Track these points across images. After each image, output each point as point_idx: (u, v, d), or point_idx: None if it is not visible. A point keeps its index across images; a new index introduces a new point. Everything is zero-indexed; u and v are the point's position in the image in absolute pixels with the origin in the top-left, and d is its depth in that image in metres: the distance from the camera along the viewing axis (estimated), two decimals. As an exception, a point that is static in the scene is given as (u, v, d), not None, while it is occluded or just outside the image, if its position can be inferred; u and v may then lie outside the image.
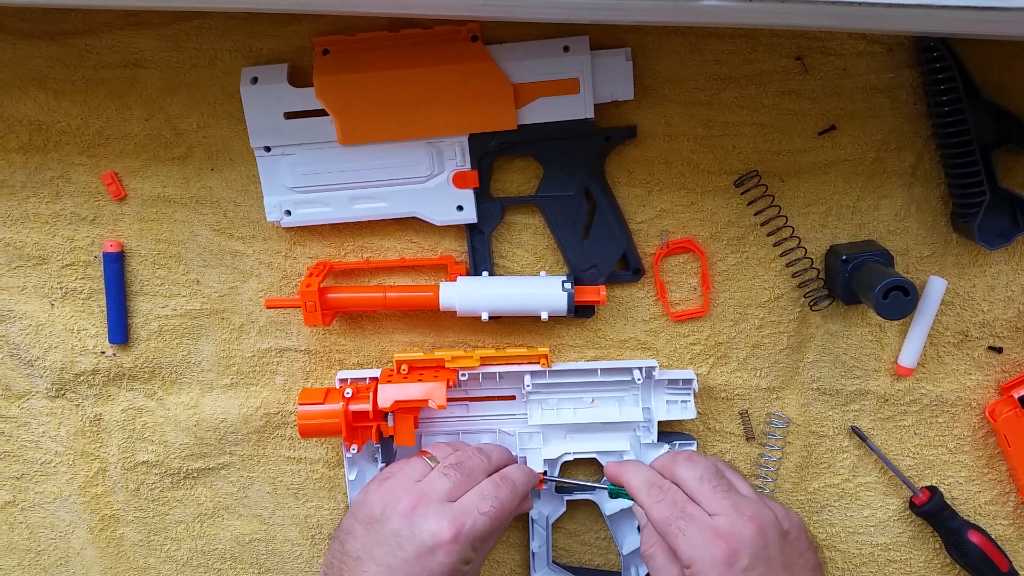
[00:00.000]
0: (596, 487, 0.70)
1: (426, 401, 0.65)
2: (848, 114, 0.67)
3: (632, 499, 0.64)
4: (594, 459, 0.72)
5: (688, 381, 0.69)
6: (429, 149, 0.66)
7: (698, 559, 0.57)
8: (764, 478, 0.73)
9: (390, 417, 0.67)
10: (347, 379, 0.70)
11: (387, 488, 0.62)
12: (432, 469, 0.63)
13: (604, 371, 0.70)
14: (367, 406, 0.66)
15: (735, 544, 0.57)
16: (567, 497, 0.72)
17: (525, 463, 0.71)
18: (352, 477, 0.72)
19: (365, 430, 0.68)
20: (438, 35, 0.64)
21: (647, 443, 0.71)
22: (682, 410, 0.70)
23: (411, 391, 0.66)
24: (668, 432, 0.72)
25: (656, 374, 0.69)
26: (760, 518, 0.58)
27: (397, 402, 0.66)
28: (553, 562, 0.73)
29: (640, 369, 0.69)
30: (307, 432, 0.67)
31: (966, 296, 0.69)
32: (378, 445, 0.69)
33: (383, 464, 0.70)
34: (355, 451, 0.68)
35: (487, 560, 0.75)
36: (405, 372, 0.69)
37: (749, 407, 0.72)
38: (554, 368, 0.70)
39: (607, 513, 0.72)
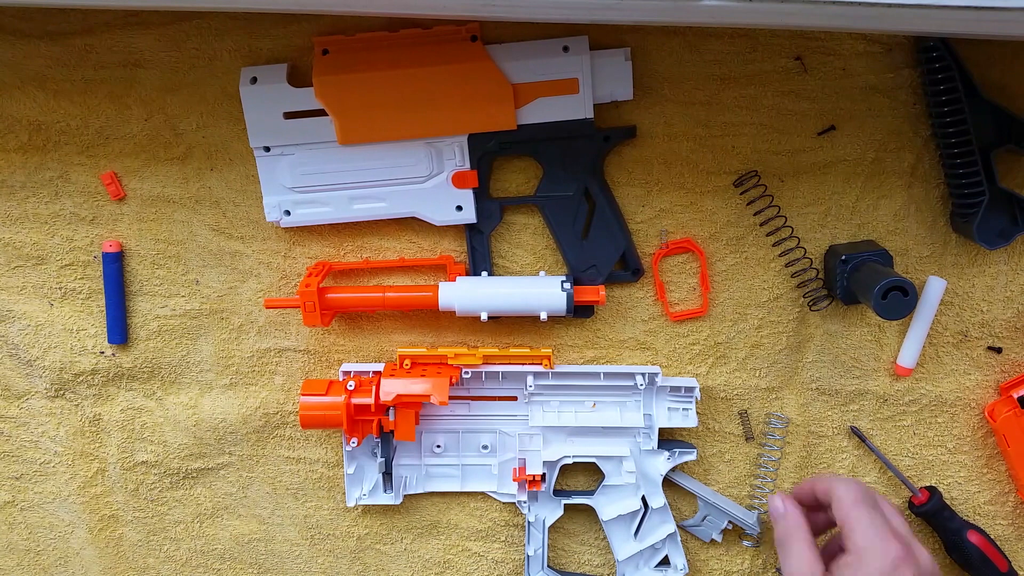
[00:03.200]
0: None
1: (428, 396, 0.66)
2: (848, 114, 0.67)
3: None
4: (593, 463, 0.72)
5: (690, 389, 0.69)
6: (428, 149, 0.66)
7: (872, 547, 0.57)
8: (763, 478, 0.73)
9: (392, 412, 0.67)
10: (350, 372, 0.70)
11: None
12: None
13: (607, 375, 0.70)
14: (369, 399, 0.66)
15: (909, 556, 0.57)
16: (565, 500, 0.72)
17: (524, 463, 0.71)
18: (351, 471, 0.72)
19: (366, 424, 0.68)
20: (437, 35, 0.64)
21: (647, 449, 0.71)
22: (683, 418, 0.70)
23: (414, 386, 0.66)
24: (668, 440, 0.72)
25: (659, 380, 0.69)
26: (933, 561, 0.59)
27: (399, 396, 0.66)
28: (548, 566, 0.73)
29: (643, 375, 0.69)
30: (308, 423, 0.67)
31: (965, 296, 0.69)
32: (378, 439, 0.69)
33: (382, 459, 0.70)
34: (355, 444, 0.68)
35: (487, 560, 0.75)
36: (408, 367, 0.69)
37: (748, 407, 0.72)
38: (557, 370, 0.70)
39: (604, 519, 0.71)
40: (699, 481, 0.73)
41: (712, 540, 0.73)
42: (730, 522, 0.72)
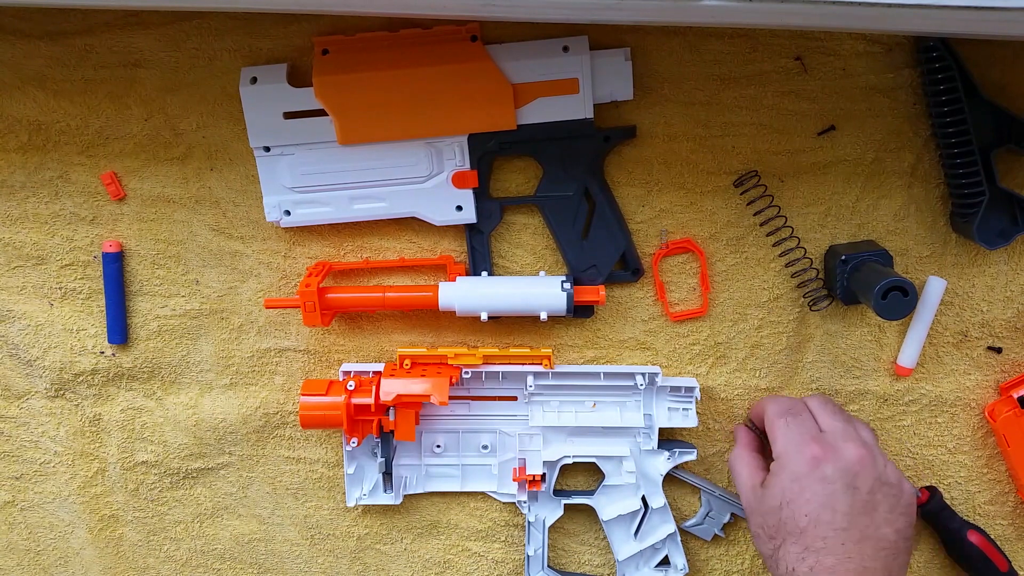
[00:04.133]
0: None
1: (428, 396, 0.66)
2: (848, 114, 0.67)
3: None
4: (593, 463, 0.72)
5: (690, 389, 0.69)
6: (428, 149, 0.66)
7: (788, 452, 0.60)
8: None
9: (392, 412, 0.67)
10: (350, 372, 0.70)
11: None
12: None
13: (607, 375, 0.70)
14: (369, 399, 0.67)
15: (828, 453, 0.59)
16: (565, 500, 0.72)
17: (524, 463, 0.71)
18: (351, 471, 0.72)
19: (366, 423, 0.68)
20: (438, 35, 0.64)
21: (647, 449, 0.71)
22: (683, 418, 0.70)
23: (414, 386, 0.66)
24: (668, 440, 0.72)
25: (659, 380, 0.69)
26: (865, 451, 0.60)
27: (399, 396, 0.66)
28: (548, 566, 0.73)
29: (643, 375, 0.69)
30: (308, 423, 0.67)
31: (965, 296, 0.69)
32: (378, 439, 0.70)
33: (382, 459, 0.70)
34: (355, 444, 0.68)
35: (487, 560, 0.75)
36: (408, 367, 0.69)
37: (748, 407, 0.72)
38: (557, 370, 0.70)
39: (604, 519, 0.71)
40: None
41: (715, 537, 0.73)
42: (732, 515, 0.72)
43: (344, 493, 0.74)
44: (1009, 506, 0.72)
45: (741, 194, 0.68)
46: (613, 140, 0.66)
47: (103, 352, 0.73)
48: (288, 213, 0.68)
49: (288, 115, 0.66)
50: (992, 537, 0.70)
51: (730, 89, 0.66)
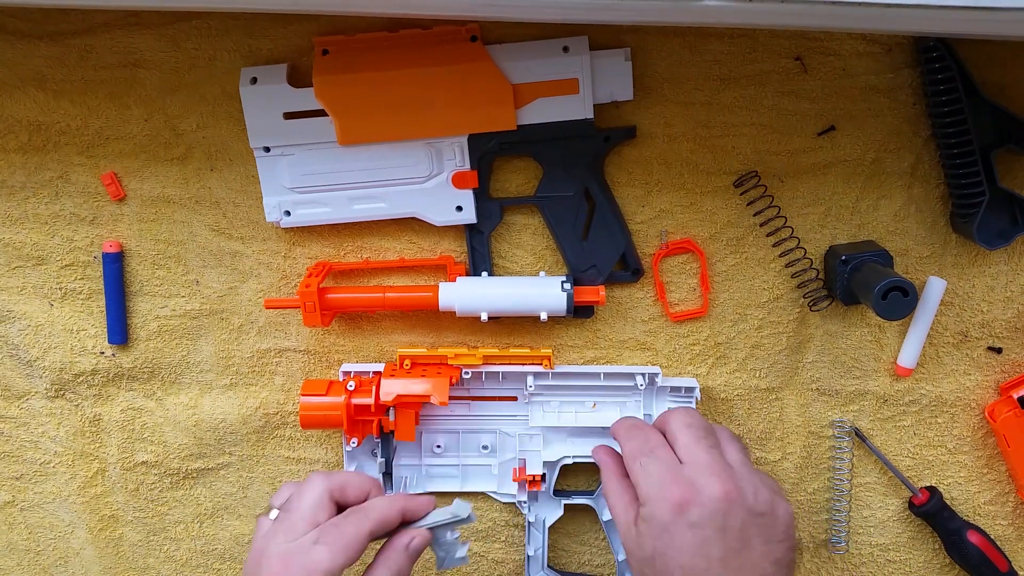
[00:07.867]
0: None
1: (428, 396, 0.66)
2: (847, 114, 0.67)
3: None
4: (593, 463, 0.72)
5: (690, 389, 0.69)
6: (428, 149, 0.66)
7: (652, 498, 0.55)
8: (839, 510, 0.73)
9: (392, 412, 0.67)
10: (350, 372, 0.70)
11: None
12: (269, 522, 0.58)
13: (607, 375, 0.70)
14: (369, 400, 0.67)
15: (691, 495, 0.54)
16: (565, 501, 0.72)
17: (524, 464, 0.71)
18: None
19: (366, 424, 0.68)
20: (438, 35, 0.64)
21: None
22: None
23: (414, 386, 0.66)
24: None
25: (659, 381, 0.69)
26: (731, 485, 0.55)
27: (399, 396, 0.66)
28: (548, 566, 0.73)
29: (643, 375, 0.69)
30: (308, 423, 0.67)
31: (965, 296, 0.69)
32: (378, 440, 0.70)
33: (382, 459, 0.70)
34: (355, 444, 0.68)
35: (488, 560, 0.75)
36: (408, 367, 0.69)
37: (748, 407, 0.72)
38: (557, 370, 0.70)
39: (604, 519, 0.71)
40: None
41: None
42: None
43: (344, 493, 0.74)
44: (1009, 506, 0.72)
45: (741, 194, 0.68)
46: (613, 140, 0.66)
47: (103, 352, 0.73)
48: (288, 213, 0.68)
49: (288, 115, 0.66)
50: (992, 537, 0.70)
51: (730, 89, 0.66)
